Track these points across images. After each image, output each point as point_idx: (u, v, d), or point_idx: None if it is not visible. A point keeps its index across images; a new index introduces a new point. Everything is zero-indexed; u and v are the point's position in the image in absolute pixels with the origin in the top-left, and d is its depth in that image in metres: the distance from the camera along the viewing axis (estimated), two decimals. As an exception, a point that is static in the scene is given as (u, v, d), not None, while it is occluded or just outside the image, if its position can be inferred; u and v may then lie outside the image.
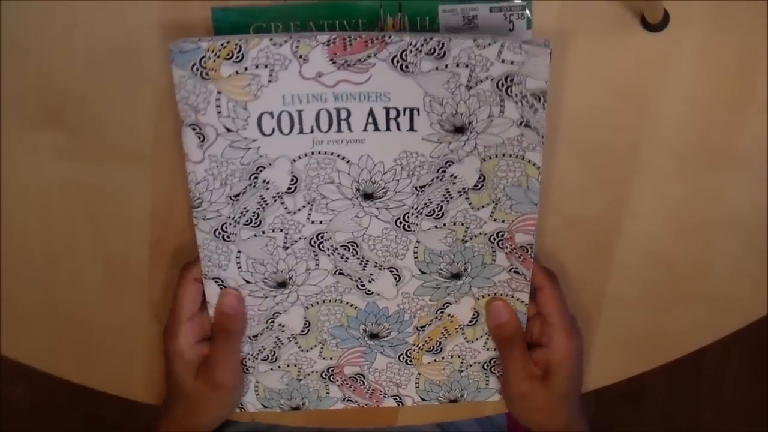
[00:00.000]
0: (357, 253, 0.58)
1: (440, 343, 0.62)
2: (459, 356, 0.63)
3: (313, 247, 0.58)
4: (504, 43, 0.51)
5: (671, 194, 0.62)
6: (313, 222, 0.57)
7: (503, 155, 0.55)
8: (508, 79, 0.52)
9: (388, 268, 0.59)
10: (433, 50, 0.52)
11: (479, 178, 0.55)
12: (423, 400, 0.65)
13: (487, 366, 0.63)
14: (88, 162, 0.62)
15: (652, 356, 0.67)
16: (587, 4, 0.57)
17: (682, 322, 0.65)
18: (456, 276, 0.59)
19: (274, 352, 0.62)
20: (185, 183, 0.58)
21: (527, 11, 0.57)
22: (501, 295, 0.60)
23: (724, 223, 0.62)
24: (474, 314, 0.61)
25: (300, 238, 0.58)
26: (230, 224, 0.57)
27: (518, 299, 0.60)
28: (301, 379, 0.63)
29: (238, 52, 0.51)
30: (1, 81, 0.60)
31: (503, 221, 0.57)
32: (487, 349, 0.63)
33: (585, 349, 0.62)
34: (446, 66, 0.52)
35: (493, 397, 0.65)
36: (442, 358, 0.63)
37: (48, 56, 0.59)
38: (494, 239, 0.57)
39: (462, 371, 0.63)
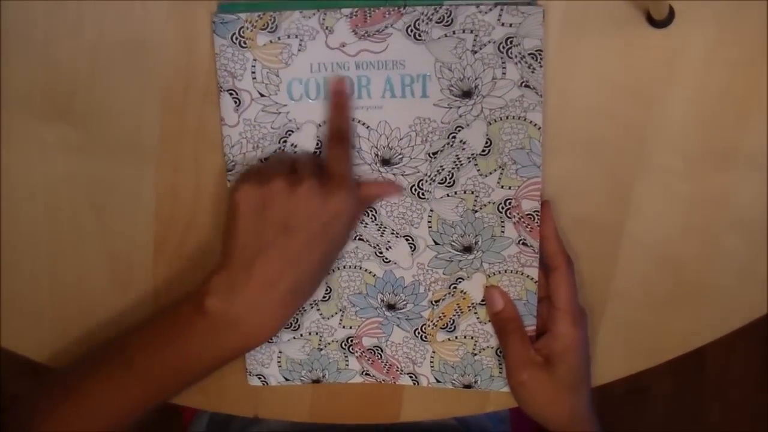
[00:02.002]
0: (376, 219, 0.63)
1: (453, 320, 0.65)
2: (472, 337, 0.65)
3: None
4: (503, 7, 0.57)
5: (676, 193, 0.63)
6: None
7: (507, 117, 0.60)
8: (509, 41, 0.58)
9: (404, 236, 0.63)
10: (442, 18, 0.58)
11: (486, 142, 0.60)
12: (438, 381, 0.67)
13: (500, 352, 0.65)
14: (94, 156, 0.64)
15: (656, 354, 0.67)
16: (593, 2, 0.59)
17: (686, 320, 0.66)
18: (467, 249, 0.63)
19: (297, 320, 0.66)
20: (190, 178, 0.63)
21: None
22: (510, 271, 0.63)
23: (729, 222, 0.63)
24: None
25: None
26: None
27: (528, 276, 0.63)
28: (321, 349, 0.67)
29: (273, 23, 0.59)
30: (8, 75, 0.62)
31: (510, 187, 0.61)
32: None
33: (589, 346, 0.63)
34: (453, 32, 0.58)
35: (506, 388, 0.66)
36: (456, 337, 0.66)
37: (55, 51, 0.61)
38: (502, 208, 0.61)
39: (475, 354, 0.66)
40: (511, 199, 0.61)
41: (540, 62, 0.58)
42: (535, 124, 0.59)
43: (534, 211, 0.61)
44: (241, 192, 0.56)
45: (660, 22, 0.58)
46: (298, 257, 0.56)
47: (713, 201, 0.63)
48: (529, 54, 0.58)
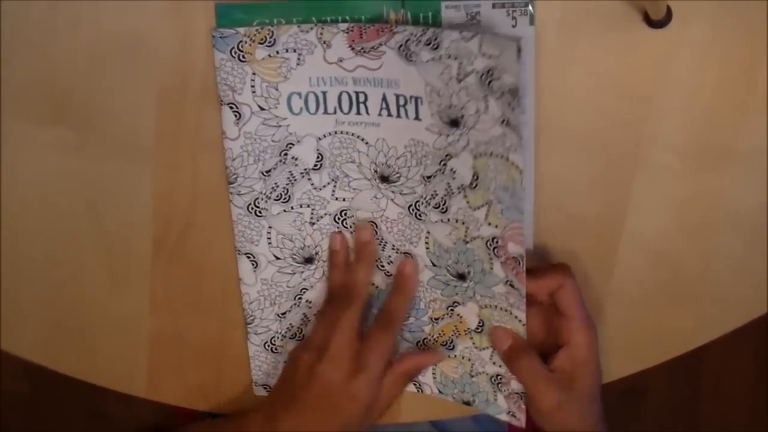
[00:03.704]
0: (377, 233, 0.62)
1: (452, 340, 0.64)
2: (469, 360, 0.64)
3: (337, 223, 0.63)
4: (483, 36, 0.54)
5: (674, 192, 0.62)
6: (337, 199, 0.62)
7: (490, 154, 0.56)
8: (490, 73, 0.54)
9: (404, 253, 0.62)
10: (429, 41, 0.55)
11: (473, 176, 0.57)
12: (440, 392, 0.66)
13: (494, 380, 0.63)
14: (91, 157, 0.64)
15: (654, 354, 0.66)
16: (590, 2, 0.58)
17: (685, 320, 0.65)
18: (461, 277, 0.61)
19: (301, 330, 0.66)
20: (186, 178, 0.64)
21: (530, 7, 0.58)
22: (500, 308, 0.60)
23: (727, 221, 0.62)
24: (480, 322, 0.62)
25: (325, 214, 0.62)
26: (262, 199, 0.62)
27: (516, 317, 0.60)
28: (325, 358, 0.67)
29: (271, 37, 0.58)
30: (5, 76, 0.62)
31: (496, 226, 0.57)
32: (494, 363, 0.62)
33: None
34: (440, 57, 0.55)
35: (501, 415, 0.63)
36: (455, 355, 0.64)
37: (52, 52, 0.61)
38: (490, 245, 0.58)
39: (473, 376, 0.64)
40: (497, 238, 0.58)
41: (517, 101, 0.53)
42: (517, 167, 0.55)
43: (519, 256, 0.57)
44: (291, 351, 0.63)
45: (657, 22, 0.57)
46: (310, 429, 0.60)
47: (711, 200, 0.62)
48: (508, 90, 0.54)
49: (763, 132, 0.60)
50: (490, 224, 0.57)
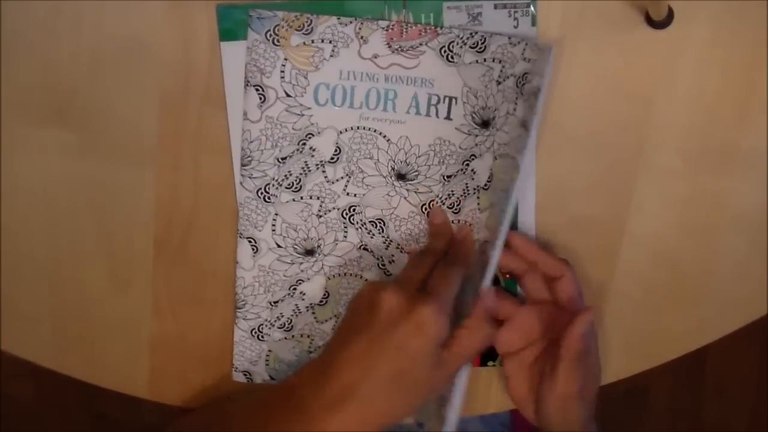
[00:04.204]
0: (383, 231, 0.63)
1: None
2: None
3: (344, 218, 0.63)
4: (528, 40, 0.57)
5: (676, 193, 0.63)
6: (348, 194, 0.63)
7: (506, 155, 0.59)
8: (524, 77, 0.58)
9: (407, 253, 0.64)
10: (476, 44, 0.59)
11: (488, 177, 0.60)
12: None
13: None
14: (93, 159, 0.64)
15: (656, 354, 0.67)
16: (592, 2, 0.59)
17: (686, 321, 0.66)
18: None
19: (291, 320, 0.66)
20: (188, 180, 0.63)
21: (532, 8, 0.59)
22: None
23: (729, 223, 0.64)
24: None
25: (333, 208, 0.63)
26: (273, 185, 0.62)
27: None
28: (311, 352, 0.67)
29: (309, 25, 0.59)
30: (7, 78, 0.62)
31: (490, 230, 0.60)
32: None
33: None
34: (485, 60, 0.59)
35: None
36: None
37: (54, 54, 0.61)
38: (483, 251, 0.61)
39: None
40: (488, 242, 0.60)
41: (536, 102, 0.57)
42: (518, 169, 0.58)
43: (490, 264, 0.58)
44: (354, 297, 0.58)
45: (659, 22, 0.59)
46: (371, 366, 0.54)
47: (712, 201, 0.63)
48: (533, 93, 0.57)
49: (764, 133, 0.62)
50: (487, 227, 0.60)
